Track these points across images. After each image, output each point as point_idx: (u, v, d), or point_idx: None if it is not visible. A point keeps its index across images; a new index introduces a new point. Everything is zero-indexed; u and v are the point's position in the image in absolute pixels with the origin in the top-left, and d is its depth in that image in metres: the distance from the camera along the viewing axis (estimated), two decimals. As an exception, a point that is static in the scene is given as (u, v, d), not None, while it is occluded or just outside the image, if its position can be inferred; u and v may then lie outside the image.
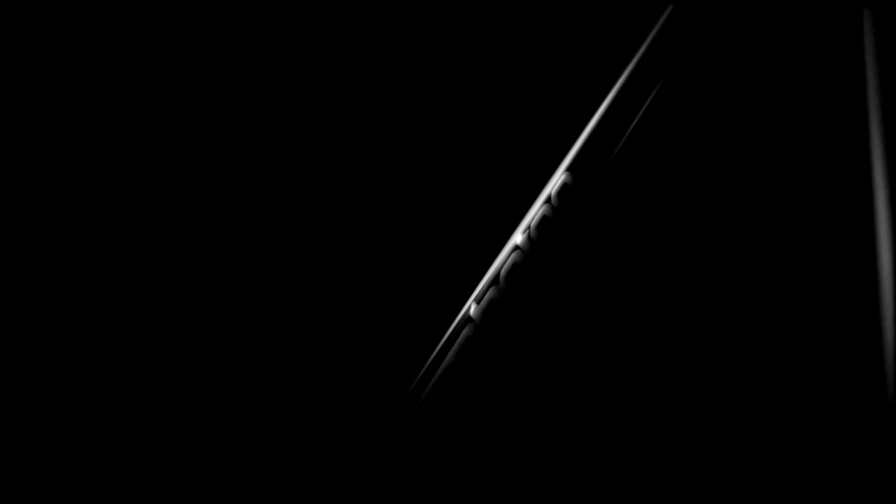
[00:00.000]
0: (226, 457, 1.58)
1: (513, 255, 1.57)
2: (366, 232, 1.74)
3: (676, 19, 1.66)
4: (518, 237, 1.58)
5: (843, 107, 1.67)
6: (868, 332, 1.47)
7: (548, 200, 1.59)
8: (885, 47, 1.59)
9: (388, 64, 1.82)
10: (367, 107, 1.81)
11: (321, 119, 1.80)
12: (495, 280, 1.56)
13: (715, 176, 1.69)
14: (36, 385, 1.60)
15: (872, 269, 1.49)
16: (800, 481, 1.48)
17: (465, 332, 1.53)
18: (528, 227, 1.58)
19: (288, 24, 1.82)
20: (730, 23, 1.72)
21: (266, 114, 1.79)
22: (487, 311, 1.54)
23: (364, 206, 1.75)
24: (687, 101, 1.70)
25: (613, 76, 1.64)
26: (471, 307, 1.55)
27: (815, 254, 1.61)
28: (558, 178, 1.59)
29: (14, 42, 1.74)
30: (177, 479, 1.57)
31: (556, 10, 1.81)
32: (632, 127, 1.61)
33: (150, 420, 1.60)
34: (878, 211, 1.50)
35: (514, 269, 1.56)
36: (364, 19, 1.83)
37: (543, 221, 1.58)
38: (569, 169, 1.60)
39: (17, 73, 1.74)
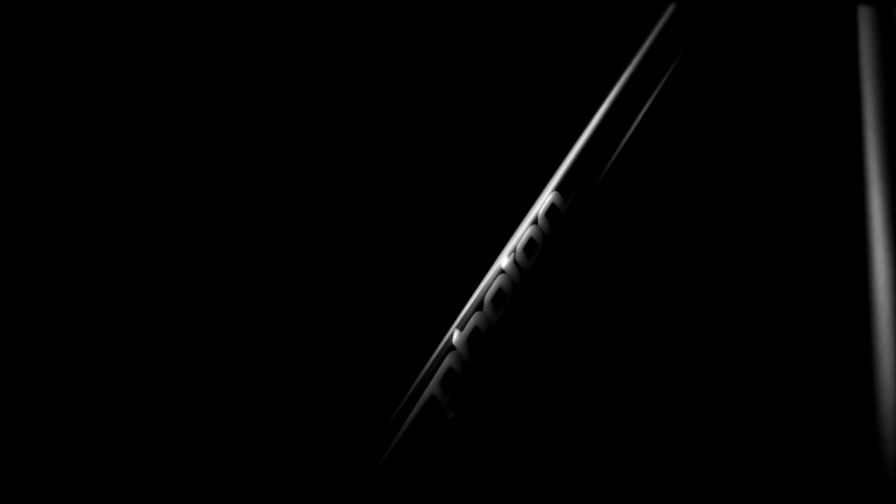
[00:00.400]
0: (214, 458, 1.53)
1: (497, 279, 1.49)
2: (341, 252, 1.64)
3: (678, 20, 1.61)
4: (503, 260, 1.50)
5: (837, 105, 1.69)
6: (862, 333, 1.50)
7: (534, 222, 1.52)
8: (880, 44, 1.62)
9: (366, 69, 1.67)
10: (345, 117, 1.75)
11: (301, 127, 1.75)
12: (479, 306, 1.47)
13: (712, 190, 1.69)
14: (36, 385, 1.56)
15: (867, 269, 1.53)
16: (795, 482, 1.51)
17: (448, 360, 1.44)
18: (514, 250, 1.51)
19: (288, 24, 1.76)
20: (730, 23, 1.70)
21: (262, 114, 1.74)
22: (471, 339, 1.46)
23: (338, 225, 1.61)
24: (684, 110, 1.67)
25: (607, 84, 1.58)
26: (453, 334, 1.46)
27: (810, 255, 1.64)
28: (546, 198, 1.53)
29: (14, 42, 1.69)
30: (172, 479, 1.52)
31: (545, 10, 1.71)
32: (624, 142, 1.57)
33: (148, 420, 1.55)
34: (873, 209, 1.54)
35: (499, 295, 1.48)
36: (354, 20, 1.76)
37: (530, 244, 1.51)
38: (557, 188, 1.53)
39: (16, 72, 1.71)
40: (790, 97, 1.77)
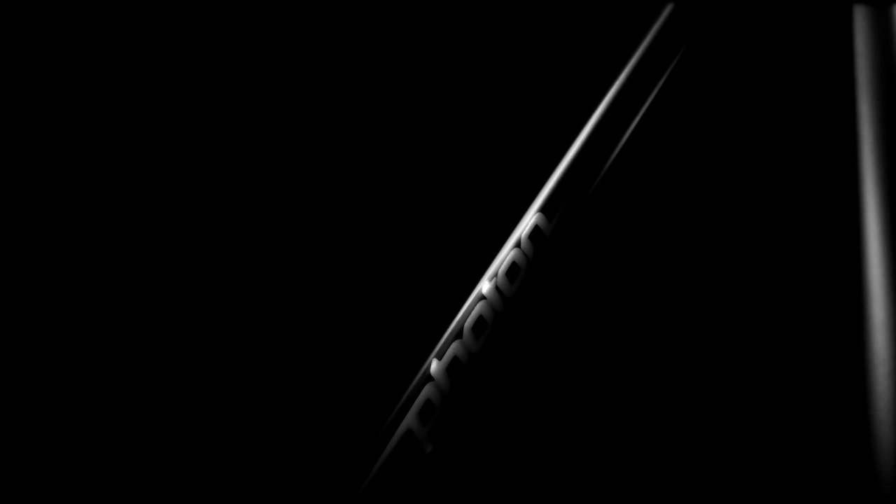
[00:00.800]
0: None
1: (478, 305, 1.44)
2: (313, 277, 1.62)
3: (676, 20, 1.57)
4: (484, 285, 1.45)
5: (834, 105, 1.68)
6: (858, 333, 1.48)
7: (517, 245, 1.46)
8: (877, 44, 1.62)
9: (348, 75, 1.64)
10: (325, 127, 1.75)
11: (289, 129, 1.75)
12: (458, 334, 1.41)
13: (706, 201, 1.66)
14: (35, 385, 1.56)
15: (862, 269, 1.51)
16: (793, 482, 1.49)
17: (425, 391, 1.38)
18: (495, 275, 1.45)
19: (284, 24, 1.77)
20: (728, 23, 1.67)
21: (259, 114, 1.75)
22: (450, 369, 1.40)
23: (311, 248, 1.61)
24: (680, 115, 1.64)
25: (602, 87, 1.53)
26: (431, 364, 1.40)
27: (806, 258, 1.63)
28: (529, 220, 1.48)
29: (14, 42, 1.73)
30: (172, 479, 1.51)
31: (539, 10, 1.68)
32: (612, 160, 1.52)
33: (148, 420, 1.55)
34: (868, 209, 1.52)
35: (480, 322, 1.42)
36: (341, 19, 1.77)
37: (512, 268, 1.45)
38: (541, 209, 1.48)
39: (16, 72, 1.73)
40: (787, 98, 1.76)
